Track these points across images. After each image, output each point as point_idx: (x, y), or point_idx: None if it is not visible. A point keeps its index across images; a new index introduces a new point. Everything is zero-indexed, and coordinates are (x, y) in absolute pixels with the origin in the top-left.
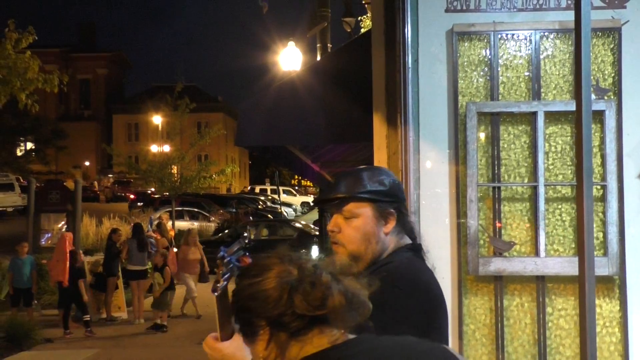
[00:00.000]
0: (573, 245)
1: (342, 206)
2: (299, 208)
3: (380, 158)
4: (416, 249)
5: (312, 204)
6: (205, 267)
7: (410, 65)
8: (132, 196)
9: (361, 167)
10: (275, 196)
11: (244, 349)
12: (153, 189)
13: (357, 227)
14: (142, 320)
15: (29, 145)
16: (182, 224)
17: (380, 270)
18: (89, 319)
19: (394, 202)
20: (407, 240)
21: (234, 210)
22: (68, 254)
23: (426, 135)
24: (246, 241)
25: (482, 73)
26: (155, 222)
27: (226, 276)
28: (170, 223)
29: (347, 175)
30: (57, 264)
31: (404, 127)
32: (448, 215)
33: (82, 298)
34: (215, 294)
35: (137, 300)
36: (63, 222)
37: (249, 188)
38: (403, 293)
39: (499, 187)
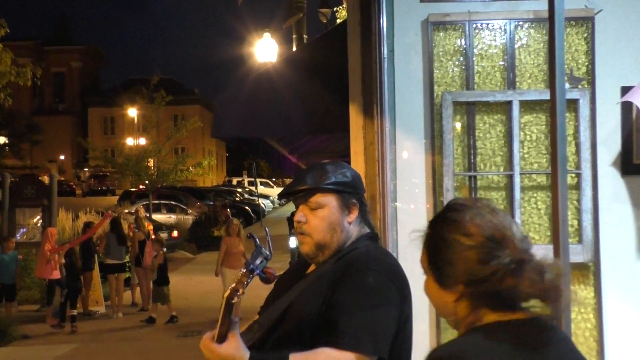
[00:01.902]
0: (548, 233)
1: (309, 197)
2: (276, 200)
3: (357, 149)
4: (375, 237)
5: (277, 196)
6: None
7: (386, 56)
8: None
9: (323, 162)
10: (253, 188)
11: (240, 347)
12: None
13: (323, 217)
14: (121, 314)
15: (3, 139)
16: (160, 217)
17: (349, 255)
18: (75, 313)
19: (356, 193)
20: (366, 230)
21: (211, 202)
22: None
23: (402, 126)
24: (267, 253)
25: (457, 63)
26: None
27: (247, 285)
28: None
29: (312, 168)
30: (43, 260)
31: (380, 117)
32: (424, 205)
33: (80, 292)
34: (232, 301)
35: (116, 294)
36: (39, 217)
37: (227, 180)
38: (381, 276)
39: (474, 176)
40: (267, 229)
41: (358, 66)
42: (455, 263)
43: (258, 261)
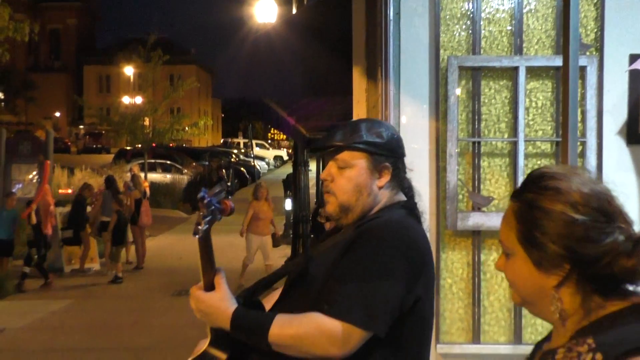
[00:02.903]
0: None
1: (337, 155)
2: (271, 162)
3: (359, 112)
4: (410, 207)
5: (309, 150)
6: (276, 230)
7: (392, 18)
8: None
9: (361, 118)
10: (271, 153)
11: (227, 298)
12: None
13: (350, 177)
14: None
15: None
16: (155, 177)
17: (369, 223)
18: (27, 272)
19: (390, 156)
20: (402, 197)
21: (206, 163)
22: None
23: (407, 90)
24: (228, 184)
25: (464, 27)
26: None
27: (208, 219)
28: (142, 175)
29: (346, 125)
30: (46, 215)
31: (385, 80)
32: (428, 170)
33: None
34: (197, 236)
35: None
36: (34, 173)
37: (222, 141)
38: (392, 248)
39: (478, 142)
40: (231, 169)
41: (362, 28)
42: (559, 240)
43: (216, 190)
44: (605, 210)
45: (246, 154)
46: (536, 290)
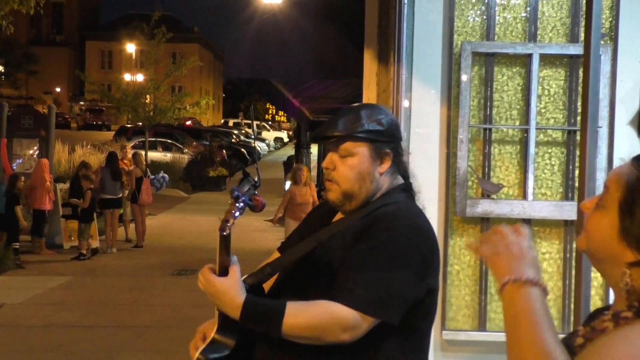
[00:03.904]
0: (560, 190)
1: (339, 144)
2: (272, 143)
3: (369, 95)
4: (408, 189)
5: (309, 139)
6: None
7: (406, 2)
8: None
9: (360, 104)
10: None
11: (238, 287)
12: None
13: (353, 165)
14: (115, 250)
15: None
16: (155, 155)
17: (379, 211)
18: (17, 246)
19: (390, 142)
20: (400, 181)
21: (207, 143)
22: (49, 181)
23: (418, 74)
24: (255, 179)
25: (478, 12)
26: (132, 152)
27: (237, 214)
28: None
29: (346, 113)
30: (34, 191)
31: (397, 64)
32: (438, 155)
33: (17, 225)
34: (224, 233)
35: (110, 229)
36: (35, 148)
37: (222, 121)
38: (404, 237)
39: (490, 129)
40: (256, 163)
41: (375, 11)
42: None
43: (245, 188)
44: None
45: (247, 135)
46: (609, 255)
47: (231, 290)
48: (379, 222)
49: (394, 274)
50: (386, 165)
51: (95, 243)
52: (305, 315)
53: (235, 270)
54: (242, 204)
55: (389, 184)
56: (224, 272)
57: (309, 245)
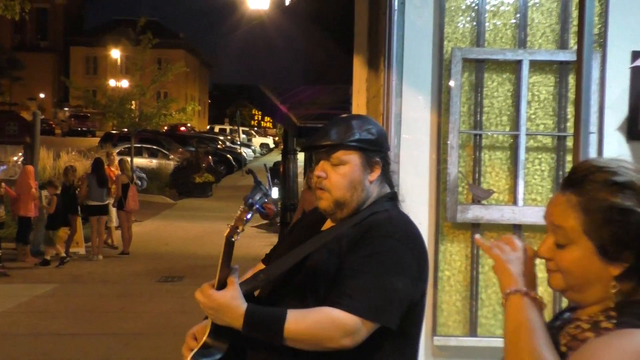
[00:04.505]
0: (550, 195)
1: (331, 153)
2: (257, 149)
3: (359, 101)
4: (394, 198)
5: (300, 149)
6: None
7: (396, 8)
8: None
9: (349, 115)
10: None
11: (239, 297)
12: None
13: (344, 174)
14: (101, 257)
15: None
16: (141, 161)
17: (371, 219)
18: (0, 254)
19: (379, 151)
20: (387, 189)
21: (193, 149)
22: (34, 188)
23: (409, 80)
24: (267, 187)
25: (468, 19)
26: (118, 159)
27: (246, 222)
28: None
29: (337, 123)
30: (20, 197)
31: (387, 70)
32: (428, 161)
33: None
34: (232, 239)
35: (97, 236)
36: (20, 154)
37: (208, 127)
38: (400, 244)
39: (480, 135)
40: (266, 165)
41: (365, 17)
42: (629, 232)
43: (257, 196)
44: None
45: (232, 141)
46: (593, 280)
47: (233, 302)
48: (374, 230)
49: (391, 279)
50: (376, 174)
51: (81, 250)
52: (306, 322)
53: (234, 281)
54: (254, 212)
55: (378, 192)
56: (222, 283)
57: (302, 253)
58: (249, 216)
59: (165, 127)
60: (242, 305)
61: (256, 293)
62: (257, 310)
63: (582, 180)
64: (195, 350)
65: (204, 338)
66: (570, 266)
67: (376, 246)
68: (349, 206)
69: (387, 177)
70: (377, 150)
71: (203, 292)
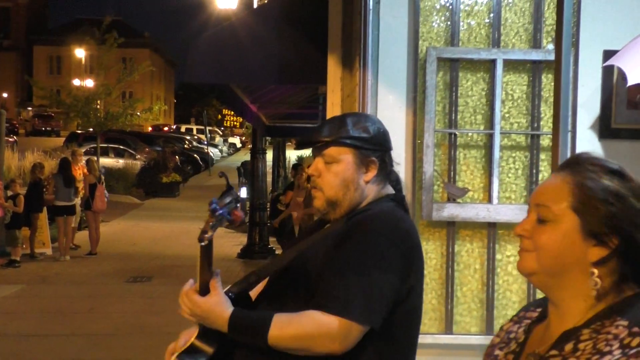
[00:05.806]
0: (524, 193)
1: (324, 150)
2: (224, 149)
3: (333, 100)
4: (398, 200)
5: (295, 145)
6: None
7: (371, 8)
8: None
9: (348, 112)
10: (202, 136)
11: (223, 301)
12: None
13: (337, 172)
14: (68, 257)
15: None
16: (107, 161)
17: (360, 216)
18: None
19: (377, 150)
20: (390, 191)
21: (160, 149)
22: None
23: (384, 80)
24: (238, 193)
25: (443, 18)
26: (85, 159)
27: (215, 227)
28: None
29: (333, 119)
30: None
31: (363, 70)
32: (404, 160)
33: None
34: (202, 244)
35: (64, 236)
36: None
37: (174, 127)
38: (385, 239)
39: (455, 134)
40: (242, 177)
41: (339, 16)
42: (621, 216)
43: (227, 200)
44: None
45: (199, 141)
46: (570, 261)
47: (218, 307)
48: (358, 225)
49: (374, 276)
50: (372, 173)
51: (48, 250)
52: (291, 326)
53: (217, 286)
54: (221, 218)
55: (376, 193)
56: (205, 287)
57: (291, 254)
58: (215, 222)
59: (150, 128)
60: (227, 310)
61: (256, 293)
62: (242, 314)
63: (579, 163)
64: (179, 351)
65: (192, 339)
66: (549, 241)
67: (360, 242)
68: (342, 205)
69: (390, 177)
70: (373, 149)
71: (189, 297)
